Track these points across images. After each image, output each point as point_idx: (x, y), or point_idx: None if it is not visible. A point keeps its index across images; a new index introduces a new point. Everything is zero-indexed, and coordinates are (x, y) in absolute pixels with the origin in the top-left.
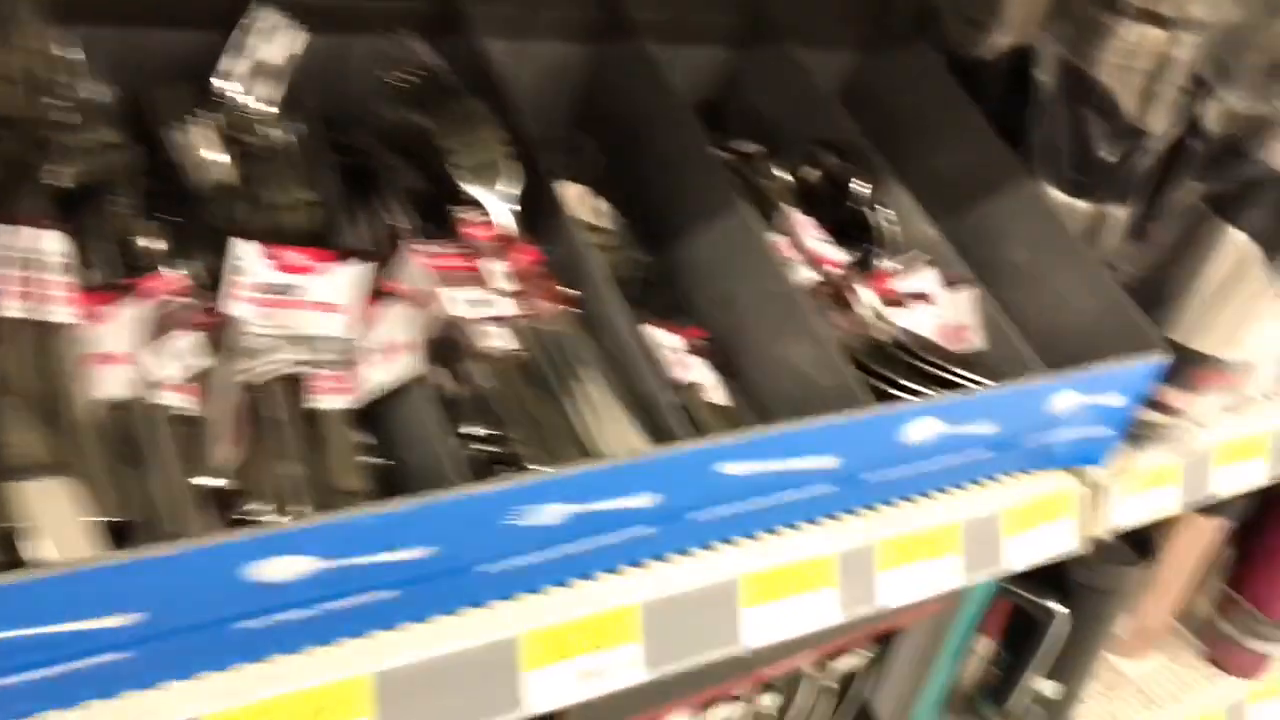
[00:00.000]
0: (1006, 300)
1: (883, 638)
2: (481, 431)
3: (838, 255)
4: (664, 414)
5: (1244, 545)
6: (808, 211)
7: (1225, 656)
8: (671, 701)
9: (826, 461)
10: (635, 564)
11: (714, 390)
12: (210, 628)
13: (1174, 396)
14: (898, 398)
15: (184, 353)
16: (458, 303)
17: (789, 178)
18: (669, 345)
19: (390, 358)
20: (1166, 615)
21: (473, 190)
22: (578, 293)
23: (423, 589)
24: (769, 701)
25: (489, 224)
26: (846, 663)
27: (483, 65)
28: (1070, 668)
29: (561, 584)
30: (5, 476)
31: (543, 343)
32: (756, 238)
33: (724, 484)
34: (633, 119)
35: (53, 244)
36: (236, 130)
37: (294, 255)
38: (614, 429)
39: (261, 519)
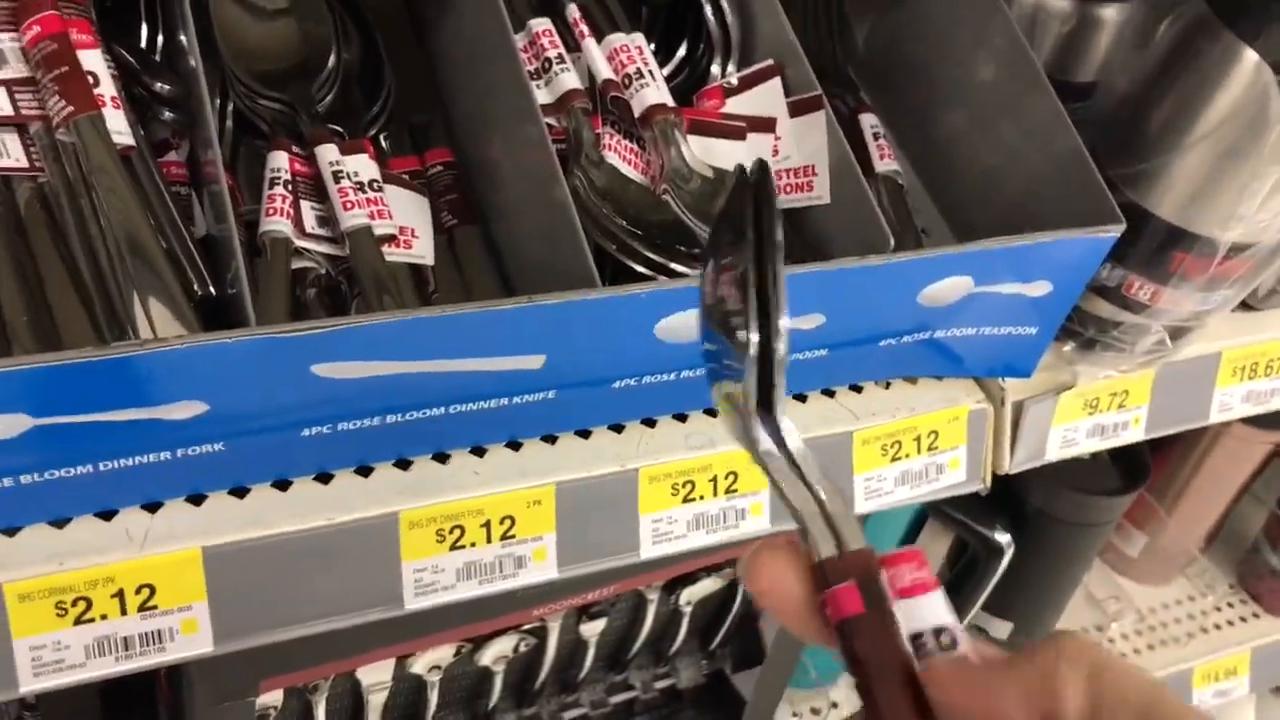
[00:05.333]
0: (921, 143)
1: None
2: None
3: (644, 60)
4: (231, 275)
5: None
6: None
7: (1267, 592)
8: (364, 652)
9: (522, 362)
10: (197, 497)
11: (416, 241)
12: None
13: (1144, 287)
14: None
15: None
16: None
17: None
18: (350, 174)
19: None
20: (1194, 539)
21: None
22: (166, 88)
23: None
24: (591, 629)
25: None
26: (708, 586)
27: None
28: (1028, 606)
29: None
30: None
31: (59, 159)
32: (497, 26)
33: (334, 392)
34: None
35: None
36: None
37: None
38: (155, 305)
39: None
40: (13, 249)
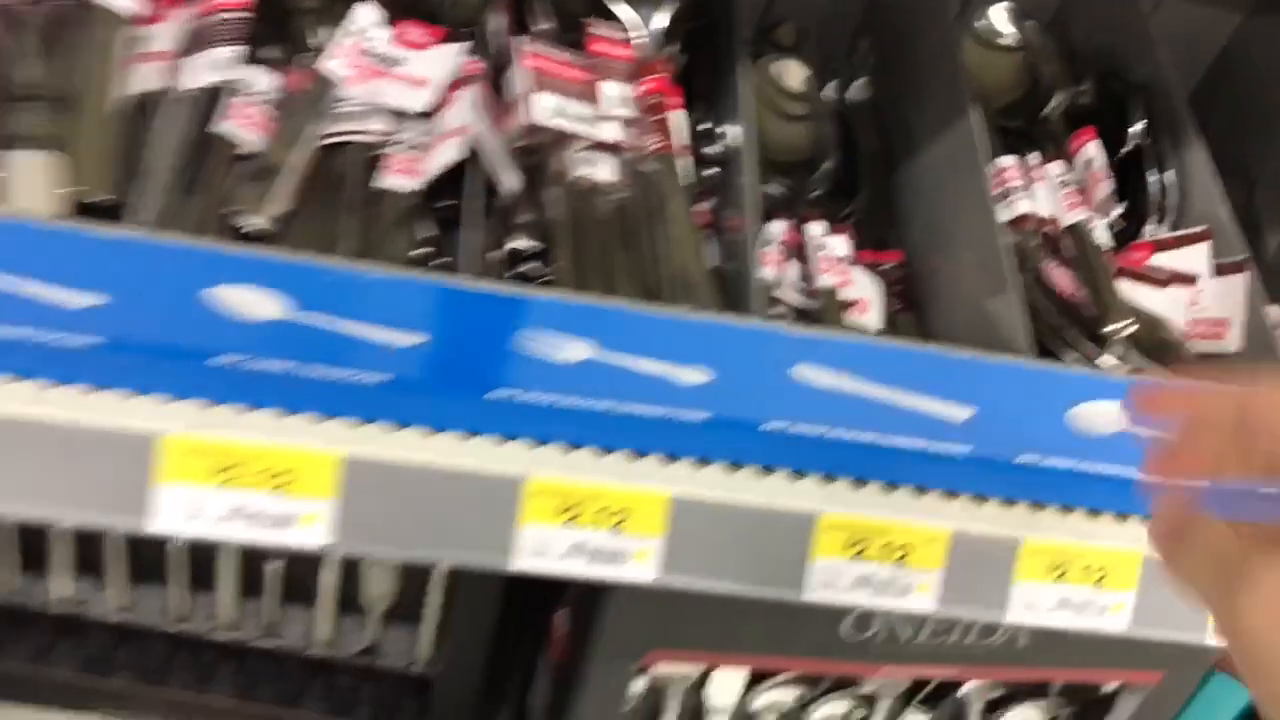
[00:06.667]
0: None
1: (1087, 702)
2: (525, 245)
3: (1097, 210)
4: (749, 295)
5: None
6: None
7: None
8: (742, 653)
9: (954, 410)
10: (672, 455)
11: (868, 312)
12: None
13: None
14: None
15: (222, 64)
16: (547, 110)
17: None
18: (829, 248)
19: (449, 141)
20: None
21: (615, 5)
22: (716, 149)
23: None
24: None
25: (626, 43)
26: (1028, 714)
27: None
28: None
29: (566, 442)
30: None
31: (637, 182)
32: (973, 158)
33: (803, 395)
34: (908, 20)
35: None
36: None
37: (416, 31)
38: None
39: None
40: (596, 239)
